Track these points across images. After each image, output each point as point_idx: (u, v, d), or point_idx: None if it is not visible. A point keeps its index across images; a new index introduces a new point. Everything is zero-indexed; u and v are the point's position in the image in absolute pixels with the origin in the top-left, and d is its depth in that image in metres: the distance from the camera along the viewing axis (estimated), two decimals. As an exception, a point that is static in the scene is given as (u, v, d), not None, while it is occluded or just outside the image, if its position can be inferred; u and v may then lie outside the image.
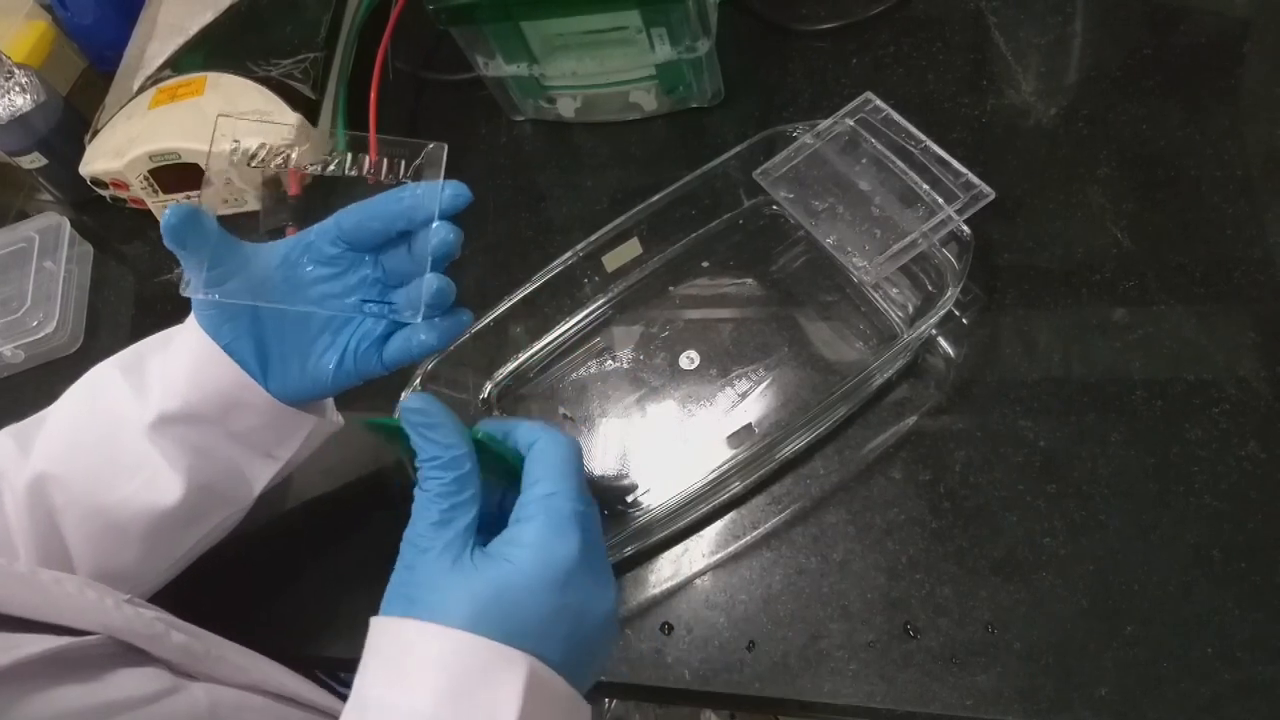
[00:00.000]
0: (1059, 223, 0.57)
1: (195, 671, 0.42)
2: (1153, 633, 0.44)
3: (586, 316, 0.62)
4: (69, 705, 0.36)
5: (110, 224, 0.80)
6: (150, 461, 0.46)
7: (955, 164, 0.54)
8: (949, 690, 0.45)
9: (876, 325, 0.57)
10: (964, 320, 0.55)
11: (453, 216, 0.44)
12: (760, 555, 0.51)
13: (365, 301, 0.47)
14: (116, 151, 0.72)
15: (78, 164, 0.75)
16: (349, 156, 0.46)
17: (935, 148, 0.54)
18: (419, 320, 0.45)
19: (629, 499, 0.54)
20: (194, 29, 0.78)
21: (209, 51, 0.76)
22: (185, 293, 0.45)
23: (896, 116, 0.56)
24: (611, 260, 0.61)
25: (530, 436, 0.39)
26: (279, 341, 0.47)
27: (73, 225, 0.78)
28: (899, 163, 0.55)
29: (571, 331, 0.62)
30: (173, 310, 0.48)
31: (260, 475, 0.50)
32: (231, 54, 0.74)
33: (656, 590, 0.52)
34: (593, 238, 0.59)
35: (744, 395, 0.56)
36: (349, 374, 0.48)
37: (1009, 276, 0.56)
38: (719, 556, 0.52)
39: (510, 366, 0.61)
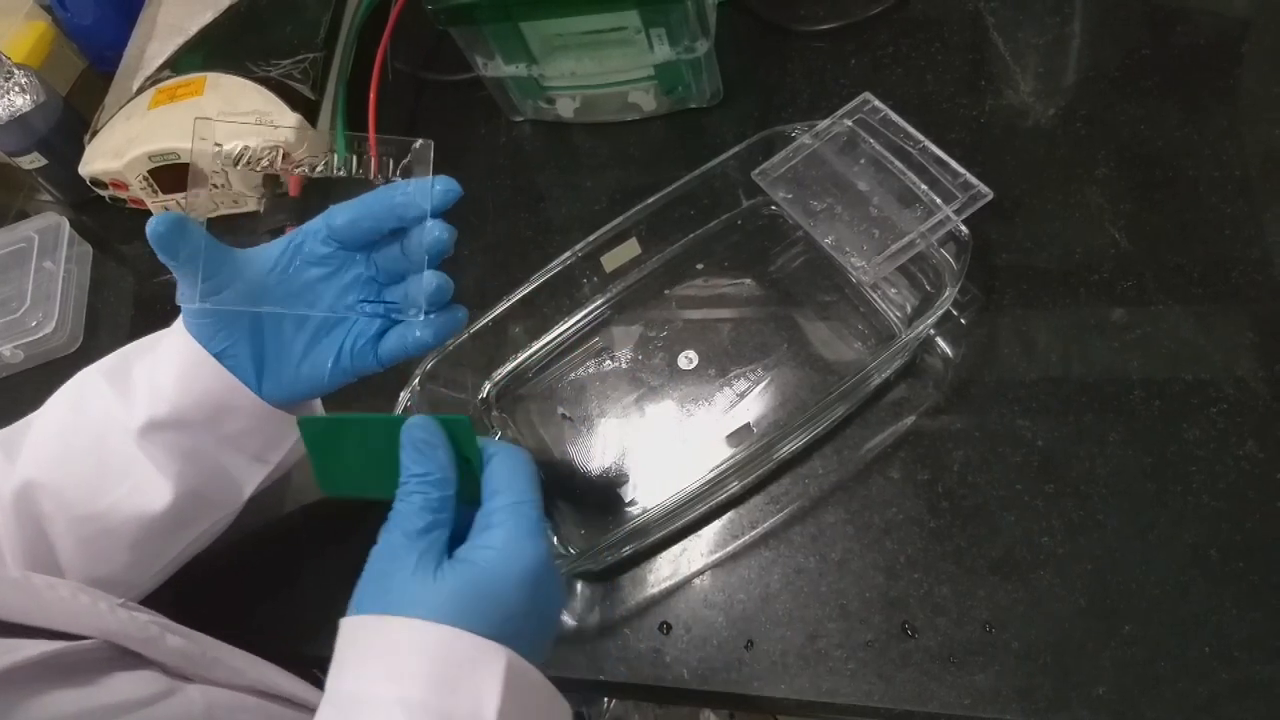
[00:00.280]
0: (1057, 223, 0.57)
1: (191, 674, 0.42)
2: (1150, 632, 0.44)
3: (585, 316, 0.62)
4: (65, 709, 0.36)
5: (110, 224, 0.81)
6: (138, 467, 0.46)
7: (953, 164, 0.54)
8: (947, 689, 0.45)
9: (875, 325, 0.57)
10: (962, 320, 0.56)
11: (445, 213, 0.45)
12: (759, 555, 0.51)
13: (361, 301, 0.47)
14: (116, 152, 0.72)
15: (77, 164, 0.75)
16: (335, 156, 0.47)
17: (933, 148, 0.54)
18: (420, 318, 0.45)
19: (627, 498, 0.55)
20: (193, 29, 0.79)
21: (208, 52, 0.76)
22: (180, 302, 0.45)
23: (895, 117, 0.56)
24: (610, 260, 0.61)
25: (488, 450, 0.41)
26: (275, 344, 0.47)
27: (72, 225, 0.78)
28: (897, 163, 0.55)
29: (570, 331, 0.62)
30: (172, 310, 0.47)
31: (250, 479, 0.50)
32: (231, 54, 0.75)
33: (655, 590, 0.52)
34: (591, 238, 0.59)
35: (742, 395, 0.56)
36: (345, 372, 0.48)
37: (1007, 277, 0.56)
38: (717, 556, 0.52)
39: (509, 366, 0.61)
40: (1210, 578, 0.45)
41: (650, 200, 0.59)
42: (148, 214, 0.76)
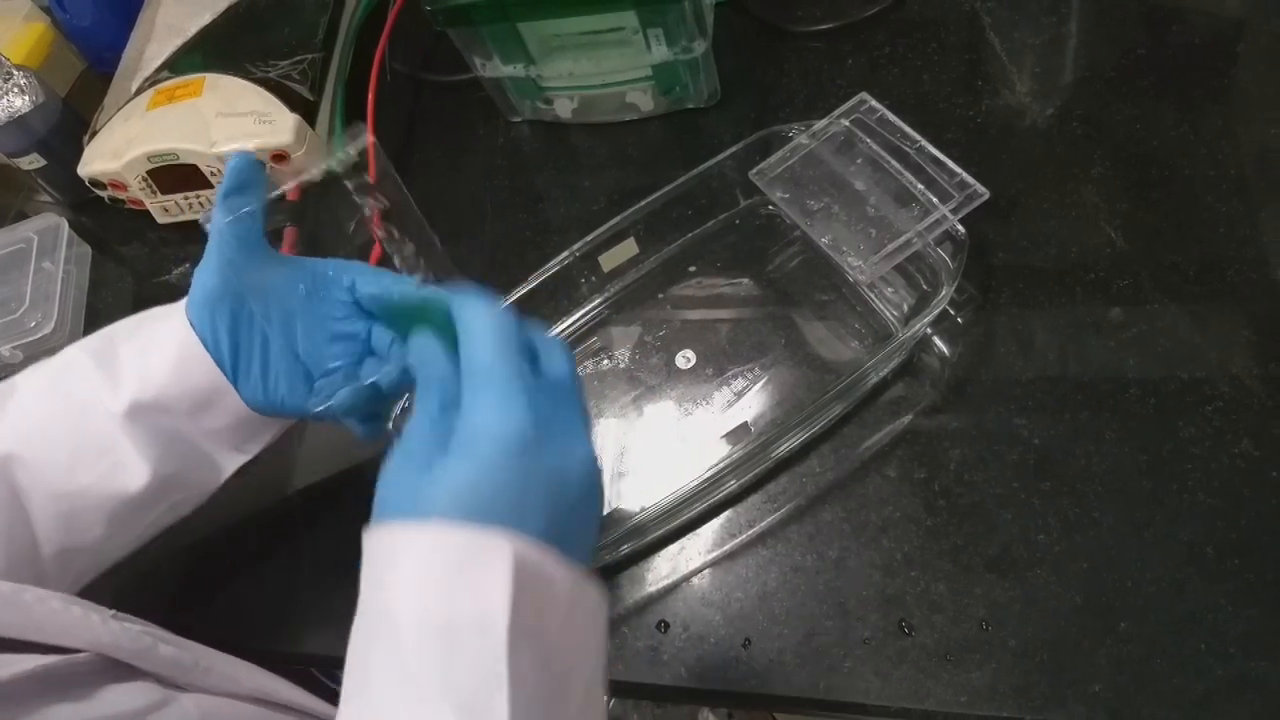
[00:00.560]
0: (1053, 222, 0.57)
1: (185, 683, 0.42)
2: (1146, 629, 0.45)
3: (583, 316, 0.62)
4: None
5: (109, 225, 0.81)
6: (118, 448, 0.46)
7: (950, 164, 0.54)
8: (944, 686, 0.45)
9: (872, 324, 0.57)
10: (959, 319, 0.56)
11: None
12: (756, 553, 0.51)
13: (342, 366, 0.49)
14: (115, 152, 0.72)
15: (76, 165, 0.75)
16: (333, 157, 0.47)
17: (930, 148, 0.55)
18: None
19: (625, 497, 0.55)
20: (192, 30, 0.79)
21: (207, 53, 0.77)
22: (205, 222, 0.46)
23: (892, 117, 0.57)
24: (608, 260, 0.61)
25: (455, 306, 0.37)
26: (269, 355, 0.47)
27: (71, 226, 0.78)
28: (894, 163, 0.55)
29: (568, 331, 0.62)
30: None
31: (229, 465, 0.50)
32: (229, 55, 0.75)
33: (653, 588, 0.52)
34: (589, 238, 0.59)
35: (740, 394, 0.56)
36: (322, 416, 0.48)
37: (1003, 276, 0.56)
38: (715, 555, 0.52)
39: (507, 366, 0.61)
40: (1206, 575, 0.45)
41: (648, 200, 0.59)
42: (147, 215, 0.77)
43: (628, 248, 0.61)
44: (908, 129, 0.56)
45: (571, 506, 0.34)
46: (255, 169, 0.46)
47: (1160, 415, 0.50)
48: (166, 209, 0.76)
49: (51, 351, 0.72)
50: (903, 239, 0.53)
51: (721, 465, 0.49)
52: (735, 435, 0.55)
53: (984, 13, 0.68)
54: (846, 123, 0.58)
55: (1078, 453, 0.50)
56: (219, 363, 0.46)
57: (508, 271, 0.64)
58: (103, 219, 0.81)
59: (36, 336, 0.72)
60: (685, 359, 0.59)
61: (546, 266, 0.59)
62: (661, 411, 0.57)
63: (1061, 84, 0.64)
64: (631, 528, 0.49)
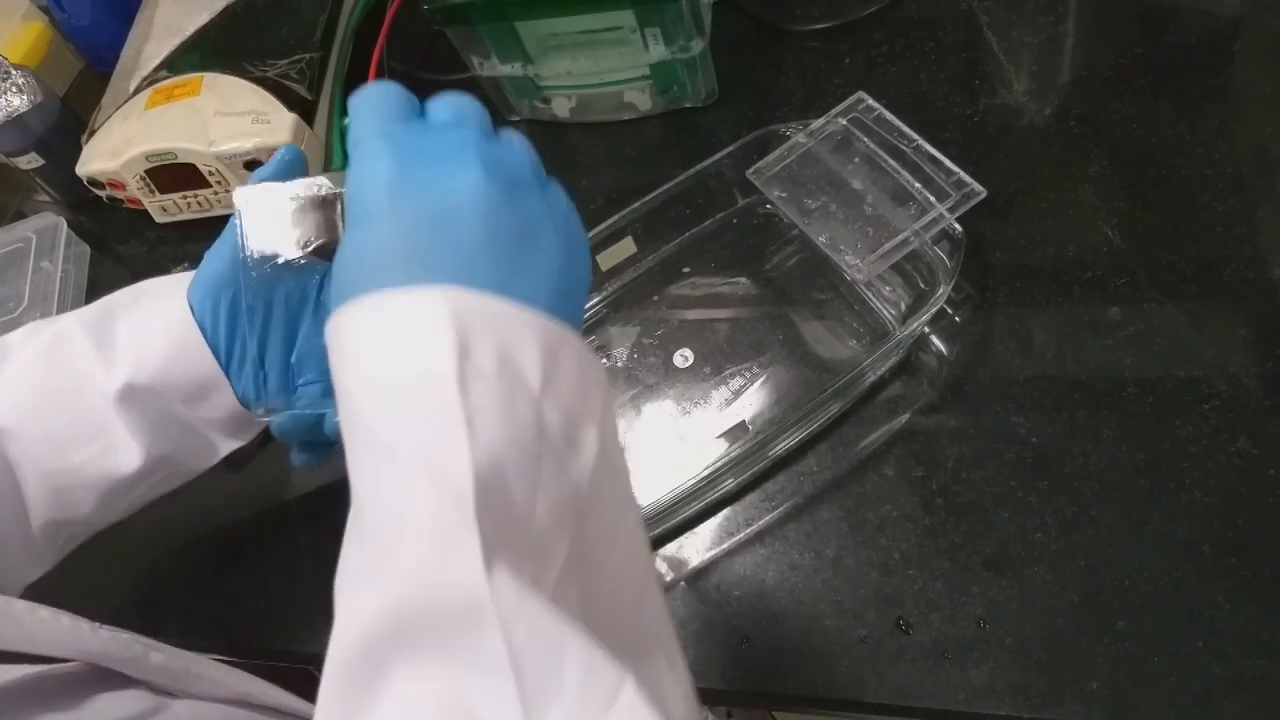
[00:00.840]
0: (1050, 221, 0.57)
1: (176, 690, 0.41)
2: (1143, 627, 0.45)
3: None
4: None
5: (107, 224, 0.81)
6: (111, 428, 0.46)
7: (947, 163, 0.54)
8: (941, 685, 0.45)
9: (869, 323, 0.57)
10: (956, 318, 0.56)
11: None
12: (754, 552, 0.51)
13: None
14: (113, 152, 0.72)
15: (74, 164, 0.75)
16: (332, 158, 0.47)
17: (927, 146, 0.55)
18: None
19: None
20: (190, 30, 0.79)
21: (205, 52, 0.77)
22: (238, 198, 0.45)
23: (889, 116, 0.57)
24: (606, 259, 0.61)
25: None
26: (269, 359, 0.47)
27: (70, 225, 0.78)
28: (891, 161, 0.55)
29: (566, 330, 0.62)
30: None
31: (224, 448, 0.49)
32: (228, 54, 0.75)
33: (651, 587, 0.52)
34: (587, 236, 0.59)
35: (738, 393, 0.56)
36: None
37: (1001, 274, 0.56)
38: (713, 553, 0.52)
39: (505, 365, 0.61)
40: (1203, 573, 0.45)
41: (646, 199, 0.59)
42: (145, 214, 0.77)
43: (625, 247, 0.61)
44: (905, 128, 0.56)
45: (483, 243, 0.30)
46: (301, 164, 0.46)
47: (1157, 414, 0.50)
48: (165, 208, 0.76)
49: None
50: (900, 238, 0.53)
51: (719, 464, 0.49)
52: (733, 434, 0.55)
53: (981, 12, 0.68)
54: (844, 122, 0.58)
55: (1075, 451, 0.50)
56: (215, 351, 0.45)
57: (506, 271, 0.64)
58: (101, 218, 0.81)
59: (34, 336, 0.72)
60: (683, 358, 0.59)
61: (544, 265, 0.59)
62: (659, 410, 0.57)
63: (1059, 83, 0.64)
64: (629, 526, 0.49)
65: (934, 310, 0.51)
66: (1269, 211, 0.54)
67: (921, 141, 0.55)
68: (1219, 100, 0.59)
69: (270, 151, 0.69)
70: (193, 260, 0.47)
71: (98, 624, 0.40)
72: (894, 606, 0.48)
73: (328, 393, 0.46)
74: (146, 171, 0.72)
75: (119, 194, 0.76)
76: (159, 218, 0.77)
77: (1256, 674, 0.43)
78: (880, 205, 0.54)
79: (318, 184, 0.44)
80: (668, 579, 0.52)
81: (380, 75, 0.72)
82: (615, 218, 0.59)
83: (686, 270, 0.62)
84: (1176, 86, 0.60)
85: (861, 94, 0.58)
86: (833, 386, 0.51)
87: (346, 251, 0.31)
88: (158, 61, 0.78)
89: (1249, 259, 0.53)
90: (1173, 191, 0.57)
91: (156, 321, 0.46)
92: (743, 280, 0.61)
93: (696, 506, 0.53)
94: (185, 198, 0.74)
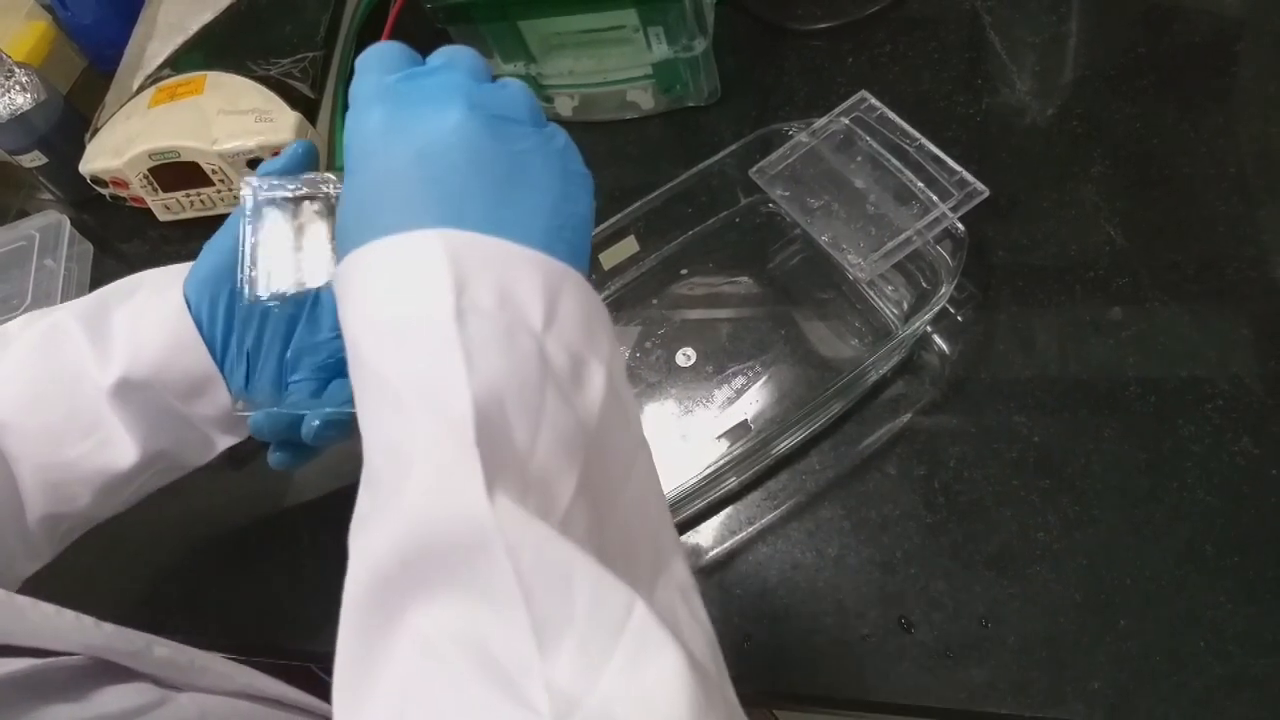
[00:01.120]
0: (1053, 220, 0.57)
1: (181, 683, 0.41)
2: (1145, 627, 0.45)
3: (584, 314, 0.62)
4: None
5: (110, 223, 0.81)
6: (106, 423, 0.45)
7: (950, 162, 0.54)
8: (943, 684, 0.45)
9: (871, 322, 0.57)
10: (958, 317, 0.56)
11: None
12: (756, 550, 0.51)
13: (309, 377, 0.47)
14: (116, 150, 0.72)
15: (78, 163, 0.75)
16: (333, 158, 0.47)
17: (930, 146, 0.55)
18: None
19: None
20: (194, 28, 0.79)
21: (208, 51, 0.77)
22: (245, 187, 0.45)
23: (892, 115, 0.57)
24: (608, 258, 0.61)
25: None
26: (264, 357, 0.47)
27: (73, 224, 0.78)
28: (894, 161, 0.55)
29: (569, 329, 0.62)
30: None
31: (219, 444, 0.49)
32: (231, 53, 0.75)
33: (653, 585, 0.52)
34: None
35: (740, 392, 0.56)
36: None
37: (1003, 274, 0.56)
38: (715, 552, 0.52)
39: (508, 364, 0.61)
40: (1205, 573, 0.45)
41: (648, 198, 0.59)
42: (148, 213, 0.77)
43: (628, 245, 0.61)
44: (908, 127, 0.56)
45: (470, 176, 0.30)
46: (314, 158, 0.46)
47: (1160, 413, 0.50)
48: (168, 206, 0.76)
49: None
50: (902, 237, 0.53)
51: (721, 463, 0.49)
52: (735, 433, 0.55)
53: (984, 11, 0.68)
54: (846, 121, 0.58)
55: (1077, 450, 0.50)
56: (210, 346, 0.45)
57: (508, 269, 0.64)
58: (104, 217, 0.81)
59: (38, 334, 0.72)
60: (685, 357, 0.59)
61: (547, 264, 0.59)
62: (662, 409, 0.57)
63: (1061, 82, 0.64)
64: (631, 525, 0.49)
65: (936, 309, 0.51)
66: (1272, 211, 0.54)
67: (924, 141, 0.55)
68: (1222, 100, 0.59)
69: (273, 150, 0.69)
70: (195, 259, 0.47)
71: (99, 621, 0.40)
72: (896, 605, 0.48)
73: (317, 393, 0.46)
74: (149, 170, 0.72)
75: (122, 192, 0.76)
76: (162, 216, 0.77)
77: (1258, 673, 0.43)
78: (883, 204, 0.54)
79: (325, 179, 0.44)
80: (670, 577, 0.52)
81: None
82: (618, 217, 0.59)
83: (688, 270, 0.62)
84: (1179, 86, 0.60)
85: (864, 93, 0.58)
86: (835, 385, 0.51)
87: (345, 201, 0.32)
88: (161, 60, 0.78)
89: (1251, 259, 0.53)
90: (1175, 191, 0.57)
91: (152, 316, 0.46)
92: (745, 279, 0.61)
93: (699, 505, 0.53)
94: (188, 196, 0.74)
